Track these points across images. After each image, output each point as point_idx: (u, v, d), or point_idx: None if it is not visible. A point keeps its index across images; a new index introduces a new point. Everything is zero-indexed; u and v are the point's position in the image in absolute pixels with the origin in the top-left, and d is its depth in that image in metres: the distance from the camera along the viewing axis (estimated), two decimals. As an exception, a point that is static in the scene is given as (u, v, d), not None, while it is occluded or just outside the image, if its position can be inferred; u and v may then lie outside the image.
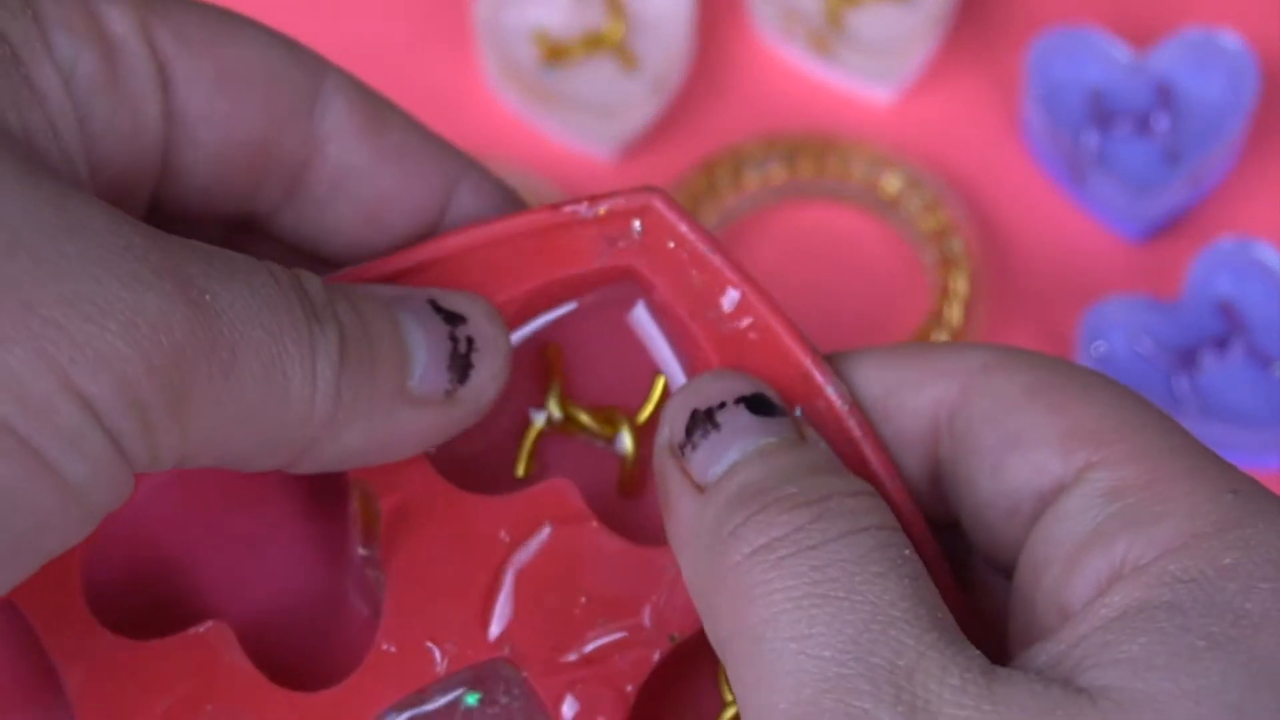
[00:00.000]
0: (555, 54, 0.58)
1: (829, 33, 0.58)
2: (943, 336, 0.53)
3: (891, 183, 0.56)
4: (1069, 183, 0.56)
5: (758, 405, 0.32)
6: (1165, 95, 0.56)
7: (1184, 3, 0.60)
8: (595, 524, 0.34)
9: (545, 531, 0.33)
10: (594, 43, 0.58)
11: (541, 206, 0.34)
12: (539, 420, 0.35)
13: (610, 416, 0.35)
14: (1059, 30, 0.57)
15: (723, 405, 0.32)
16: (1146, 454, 0.31)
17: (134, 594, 0.34)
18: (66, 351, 0.28)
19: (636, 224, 0.34)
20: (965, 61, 0.59)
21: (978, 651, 0.29)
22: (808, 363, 0.33)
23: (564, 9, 0.59)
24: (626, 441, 0.35)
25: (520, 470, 0.35)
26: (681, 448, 0.32)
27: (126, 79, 0.33)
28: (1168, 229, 0.55)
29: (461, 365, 0.33)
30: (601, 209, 0.34)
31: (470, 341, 0.33)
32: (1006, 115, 0.58)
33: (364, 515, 0.34)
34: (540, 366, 0.35)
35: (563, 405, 0.35)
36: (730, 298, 0.34)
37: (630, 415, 0.35)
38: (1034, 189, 0.57)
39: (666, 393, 0.35)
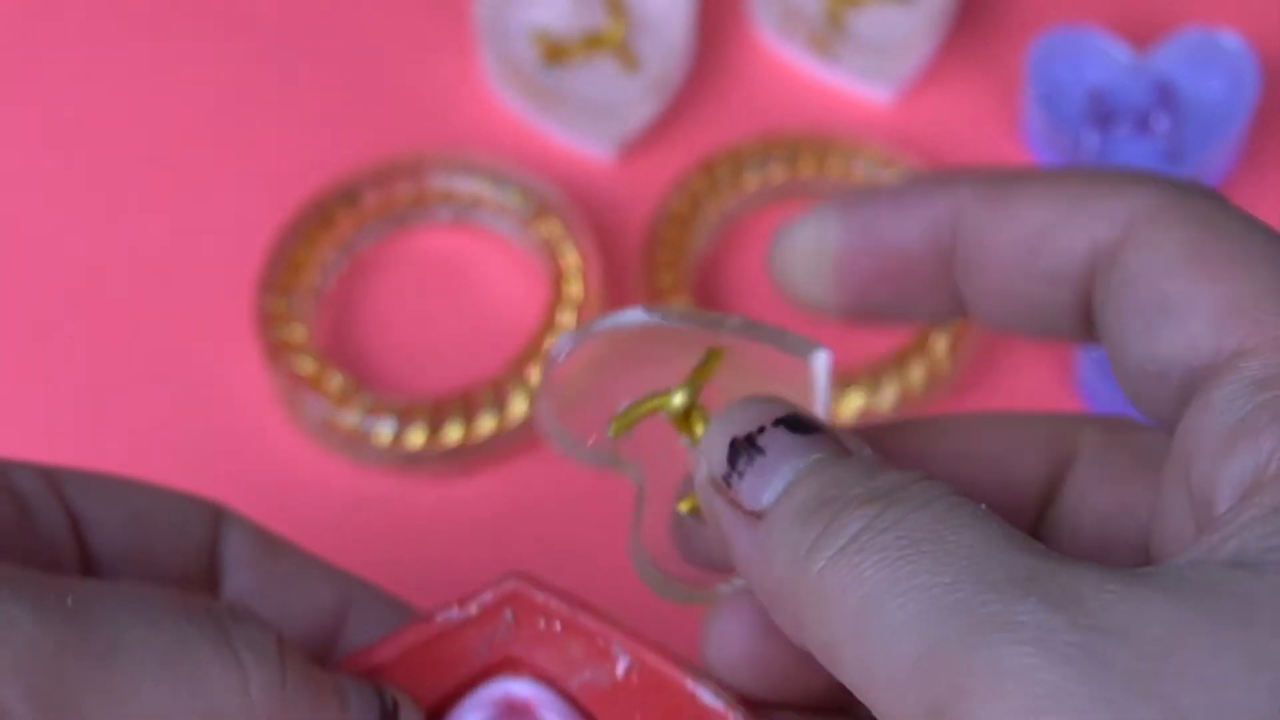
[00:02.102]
0: (555, 54, 0.58)
1: (829, 33, 0.58)
2: (943, 337, 0.53)
3: (892, 183, 0.56)
4: (1069, 183, 0.56)
5: (795, 424, 0.31)
6: (1165, 95, 0.56)
7: (1184, 3, 0.60)
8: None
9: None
10: (594, 43, 0.58)
11: (416, 619, 0.35)
12: (673, 399, 0.34)
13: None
14: (1059, 30, 0.57)
15: (761, 430, 0.31)
16: None
17: None
18: None
19: (508, 613, 0.35)
20: (965, 61, 0.59)
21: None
22: (693, 689, 0.34)
23: (564, 9, 0.59)
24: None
25: (614, 431, 0.34)
26: (726, 478, 0.31)
27: (39, 524, 0.34)
28: (1168, 229, 0.55)
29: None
30: (473, 608, 0.35)
31: (395, 703, 0.34)
32: (1006, 115, 0.58)
33: None
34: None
35: (692, 396, 0.34)
36: (615, 654, 0.34)
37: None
38: (1034, 189, 0.57)
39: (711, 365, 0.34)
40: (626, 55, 0.58)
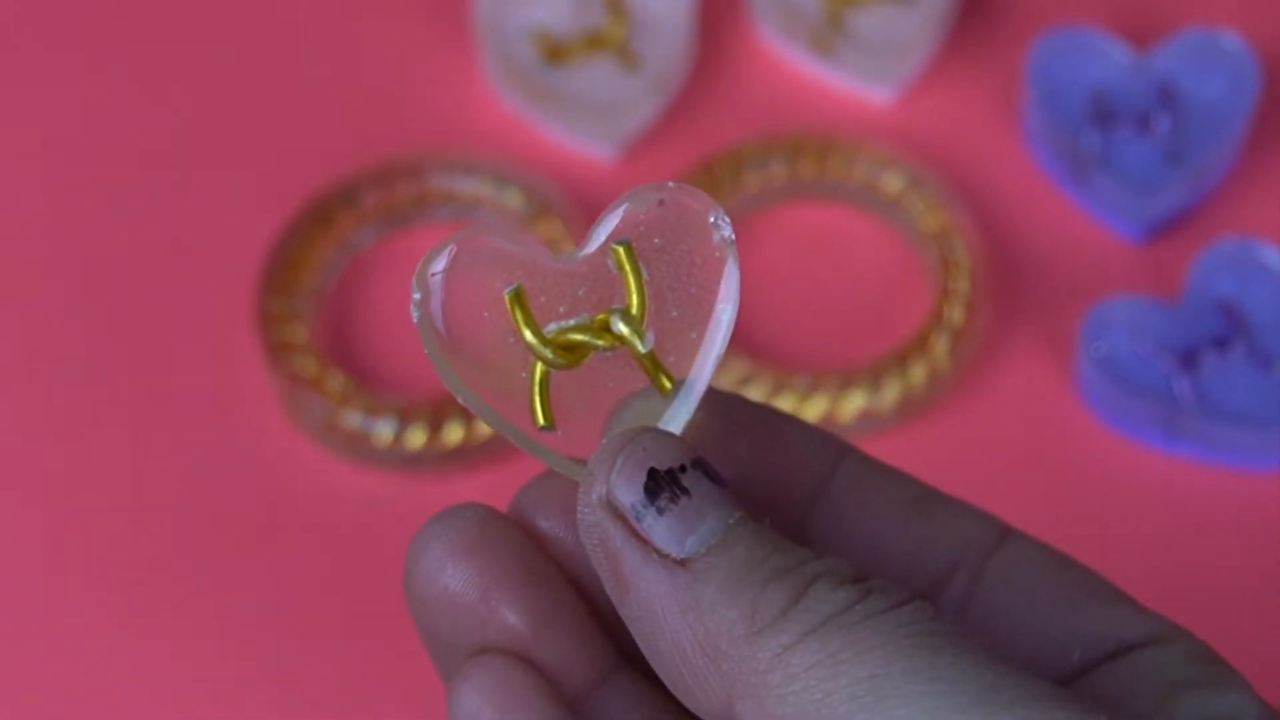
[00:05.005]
0: (555, 54, 0.58)
1: (829, 33, 0.58)
2: (943, 337, 0.52)
3: (892, 183, 0.56)
4: (1070, 183, 0.56)
5: (709, 470, 0.29)
6: (1166, 95, 0.56)
7: (1184, 3, 0.60)
8: None
9: None
10: (594, 43, 0.58)
11: None
12: (537, 364, 0.31)
13: (603, 323, 0.31)
14: (1059, 30, 0.57)
15: (683, 468, 0.29)
16: None
17: None
18: None
19: None
20: (965, 61, 0.59)
21: None
22: None
23: (564, 9, 0.59)
24: (632, 339, 0.30)
25: (541, 419, 0.31)
26: (636, 510, 0.28)
27: None
28: (1169, 229, 0.55)
29: None
30: None
31: None
32: (1007, 115, 0.58)
33: None
34: None
35: (544, 340, 0.31)
36: None
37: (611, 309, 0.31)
38: (1035, 189, 0.57)
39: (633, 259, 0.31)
40: (626, 55, 0.58)
